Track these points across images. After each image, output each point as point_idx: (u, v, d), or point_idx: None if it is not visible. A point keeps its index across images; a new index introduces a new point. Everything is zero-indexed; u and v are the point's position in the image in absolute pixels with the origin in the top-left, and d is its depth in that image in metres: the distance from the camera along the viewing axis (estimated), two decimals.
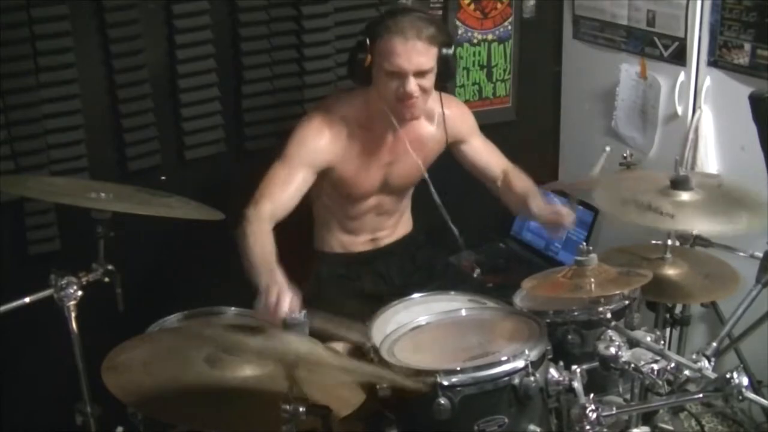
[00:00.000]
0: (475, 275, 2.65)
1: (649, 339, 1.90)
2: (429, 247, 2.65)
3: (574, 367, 1.94)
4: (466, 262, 2.89)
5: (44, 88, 2.47)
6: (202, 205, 2.18)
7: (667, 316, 2.56)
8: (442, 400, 1.81)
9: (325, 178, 2.36)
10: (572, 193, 2.35)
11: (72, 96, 2.52)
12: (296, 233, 2.41)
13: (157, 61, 2.64)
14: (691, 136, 2.82)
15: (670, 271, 2.26)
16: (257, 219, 2.14)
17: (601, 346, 1.89)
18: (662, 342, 1.90)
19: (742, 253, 2.42)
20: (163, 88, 2.67)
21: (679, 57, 2.83)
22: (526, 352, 1.88)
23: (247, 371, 1.67)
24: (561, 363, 1.98)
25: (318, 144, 2.29)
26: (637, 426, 2.03)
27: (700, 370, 1.78)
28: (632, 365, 1.85)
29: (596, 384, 1.99)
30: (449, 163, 2.54)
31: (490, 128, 2.62)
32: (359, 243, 2.52)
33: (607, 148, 2.45)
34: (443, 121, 2.40)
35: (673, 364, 1.82)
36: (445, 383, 1.82)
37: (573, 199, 2.50)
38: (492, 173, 2.53)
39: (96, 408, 2.05)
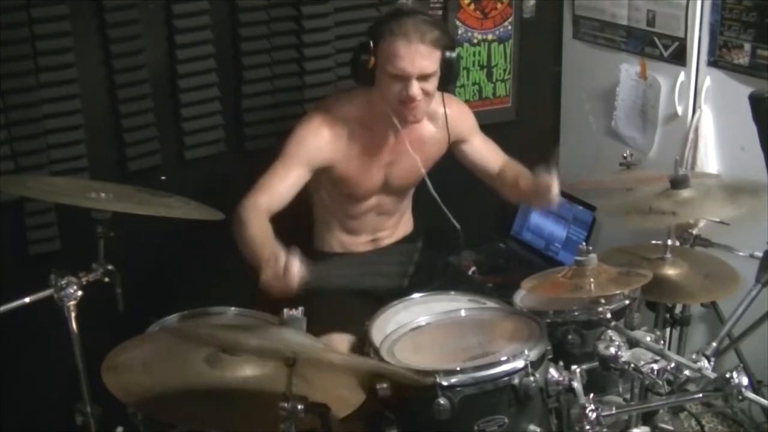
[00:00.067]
0: (470, 273, 2.65)
1: (649, 339, 1.90)
2: (429, 247, 2.65)
3: (573, 367, 1.94)
4: (466, 261, 2.89)
5: (44, 88, 2.47)
6: (202, 205, 2.18)
7: (667, 316, 2.56)
8: (442, 400, 1.81)
9: (324, 176, 2.36)
10: (552, 162, 2.32)
11: (72, 96, 2.52)
12: (296, 233, 2.41)
13: (157, 61, 2.64)
14: (691, 136, 2.82)
15: (670, 271, 2.26)
16: (254, 207, 2.16)
17: (601, 346, 1.89)
18: (662, 342, 1.90)
19: (741, 253, 2.42)
20: (163, 88, 2.67)
21: (679, 57, 2.83)
22: (526, 352, 1.88)
23: (247, 371, 1.67)
24: (561, 363, 1.98)
25: (316, 143, 2.29)
26: (637, 426, 2.03)
27: (699, 370, 1.78)
28: (632, 365, 1.85)
29: (596, 384, 1.99)
30: (449, 163, 2.54)
31: (490, 128, 2.62)
32: (360, 243, 2.52)
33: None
34: (445, 121, 2.40)
35: (673, 364, 1.82)
36: (445, 383, 1.82)
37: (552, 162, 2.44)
38: (492, 171, 2.53)
39: (96, 408, 2.05)
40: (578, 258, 2.01)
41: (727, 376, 1.65)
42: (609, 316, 1.98)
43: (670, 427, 2.32)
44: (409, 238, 2.61)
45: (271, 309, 2.21)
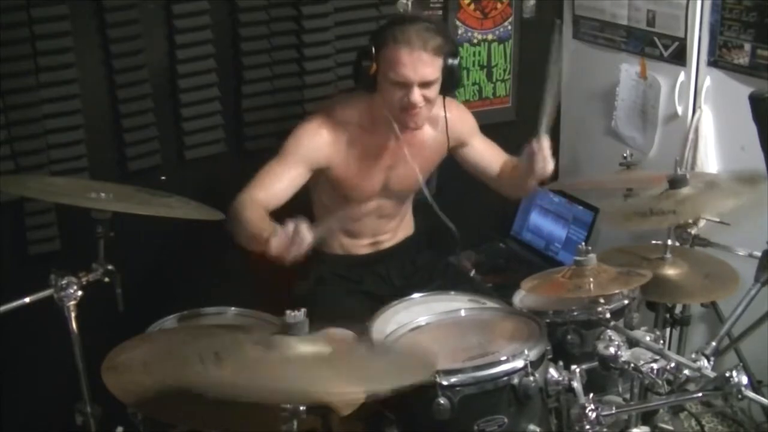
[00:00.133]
0: (473, 275, 2.65)
1: (648, 339, 1.90)
2: (429, 248, 2.65)
3: (573, 366, 1.94)
4: (466, 262, 2.90)
5: (44, 88, 2.47)
6: (202, 205, 2.18)
7: (667, 316, 2.56)
8: (442, 400, 1.81)
9: (323, 179, 2.36)
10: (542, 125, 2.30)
11: (72, 96, 2.52)
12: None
13: (157, 61, 2.64)
14: (691, 136, 2.82)
15: (670, 271, 2.26)
16: (249, 200, 2.16)
17: (600, 346, 1.89)
18: (662, 342, 1.90)
19: (741, 253, 2.42)
20: (163, 88, 2.68)
21: (679, 57, 2.83)
22: (526, 352, 1.88)
23: None
24: (561, 363, 1.98)
25: (314, 143, 2.29)
26: (636, 426, 2.03)
27: (699, 369, 1.78)
28: (632, 365, 1.85)
29: (596, 384, 1.99)
30: (449, 163, 2.54)
31: (490, 128, 2.62)
32: (360, 246, 2.52)
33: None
34: (445, 125, 2.40)
35: (672, 364, 1.82)
36: (445, 383, 1.82)
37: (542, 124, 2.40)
38: (493, 172, 2.53)
39: (96, 408, 2.05)
40: (578, 258, 2.01)
41: (727, 375, 1.65)
42: (608, 315, 1.98)
43: (670, 427, 2.32)
44: (409, 241, 2.61)
45: (272, 309, 2.22)
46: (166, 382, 1.63)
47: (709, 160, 2.80)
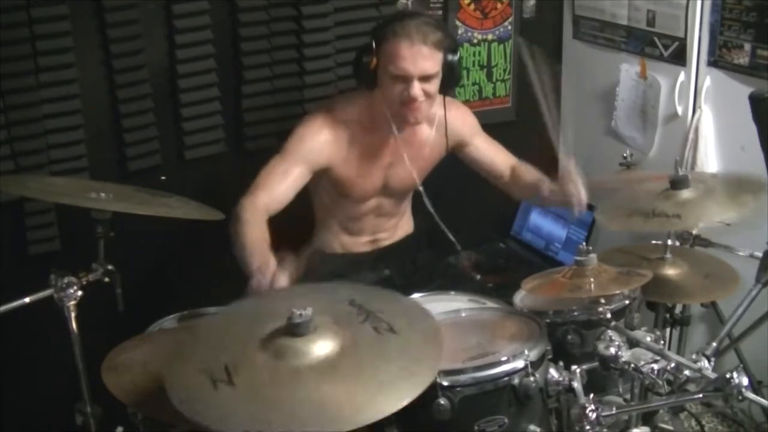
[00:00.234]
0: (474, 275, 2.65)
1: (649, 339, 1.90)
2: (429, 248, 2.65)
3: (573, 367, 1.93)
4: (466, 262, 2.89)
5: (44, 88, 2.47)
6: (202, 205, 2.18)
7: (667, 316, 2.56)
8: (442, 400, 1.81)
9: (324, 177, 2.36)
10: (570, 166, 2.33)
11: (72, 96, 2.52)
12: (296, 233, 2.41)
13: (157, 61, 2.64)
14: (691, 136, 2.82)
15: (670, 271, 2.26)
16: (252, 208, 2.15)
17: (600, 346, 1.89)
18: (662, 342, 1.90)
19: (741, 253, 2.42)
20: (163, 88, 2.68)
21: (679, 57, 2.83)
22: (526, 352, 1.87)
23: None
24: (561, 363, 1.98)
25: (316, 142, 2.29)
26: (637, 426, 2.03)
27: (700, 370, 1.78)
28: (632, 365, 1.85)
29: (596, 384, 1.99)
30: (449, 162, 2.54)
31: (490, 128, 2.62)
32: (360, 244, 2.52)
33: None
34: (444, 125, 2.40)
35: (673, 364, 1.82)
36: (445, 383, 1.82)
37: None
38: (497, 170, 2.53)
39: (96, 408, 2.05)
40: (578, 258, 2.01)
41: (727, 376, 1.65)
42: (609, 316, 1.97)
43: (670, 427, 2.32)
44: (409, 239, 2.61)
45: None
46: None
47: (709, 160, 2.80)
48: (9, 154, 2.46)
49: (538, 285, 2.07)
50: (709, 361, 1.82)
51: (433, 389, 1.81)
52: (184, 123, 2.73)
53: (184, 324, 2.14)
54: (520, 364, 1.86)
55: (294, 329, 1.54)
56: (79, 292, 1.96)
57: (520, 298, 2.25)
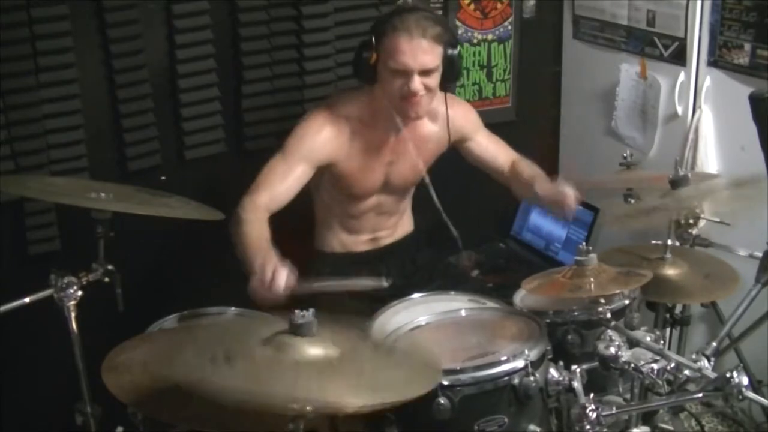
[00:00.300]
0: (474, 275, 2.65)
1: (648, 339, 1.90)
2: (429, 247, 2.65)
3: (574, 367, 1.93)
4: (467, 261, 2.89)
5: (44, 88, 2.47)
6: (202, 205, 2.18)
7: (667, 316, 2.56)
8: (442, 400, 1.81)
9: (325, 174, 2.36)
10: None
11: (72, 96, 2.52)
12: (296, 233, 2.41)
13: (157, 61, 2.64)
14: (691, 136, 2.82)
15: (670, 271, 2.26)
16: (253, 207, 2.15)
17: (600, 346, 1.89)
18: (662, 342, 1.90)
19: (741, 253, 2.42)
20: (163, 88, 2.68)
21: (679, 57, 2.83)
22: (526, 352, 1.87)
23: None
24: (561, 363, 1.98)
25: (317, 140, 2.29)
26: (637, 426, 2.02)
27: (699, 369, 1.78)
28: (632, 365, 1.85)
29: (596, 384, 1.99)
30: (449, 162, 2.54)
31: (490, 128, 2.62)
32: (360, 243, 2.52)
33: None
34: (446, 121, 2.40)
35: (673, 364, 1.82)
36: (445, 383, 1.82)
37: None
38: (498, 166, 2.53)
39: (96, 408, 2.05)
40: (578, 258, 2.01)
41: (727, 375, 1.65)
42: (609, 316, 1.98)
43: (670, 427, 2.32)
44: (409, 238, 2.61)
45: (272, 308, 2.21)
46: (166, 382, 1.63)
47: (709, 160, 2.80)
48: (9, 154, 2.46)
49: (538, 285, 2.07)
50: (709, 360, 1.82)
51: (434, 389, 1.81)
52: (184, 123, 2.73)
53: (184, 324, 2.14)
54: (520, 363, 1.86)
55: (296, 330, 1.56)
56: (79, 292, 1.96)
57: (520, 298, 2.25)
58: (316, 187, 2.42)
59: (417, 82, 2.19)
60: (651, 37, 2.92)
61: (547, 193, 2.33)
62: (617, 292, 2.02)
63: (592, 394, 1.78)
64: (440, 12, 3.08)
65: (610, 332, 1.92)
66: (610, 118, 3.17)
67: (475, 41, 3.21)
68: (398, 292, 2.37)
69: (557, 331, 2.09)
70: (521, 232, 3.32)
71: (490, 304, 2.24)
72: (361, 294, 2.44)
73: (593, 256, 2.00)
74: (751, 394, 1.66)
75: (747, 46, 2.60)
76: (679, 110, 2.87)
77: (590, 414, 1.71)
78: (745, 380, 1.64)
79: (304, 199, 2.38)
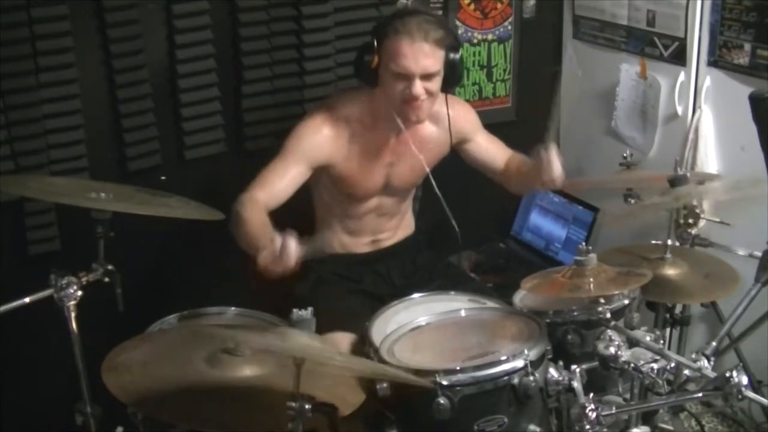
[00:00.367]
0: (474, 276, 2.65)
1: (648, 339, 1.90)
2: (429, 248, 2.65)
3: (573, 366, 1.94)
4: (466, 262, 2.90)
5: (44, 88, 2.47)
6: (202, 205, 2.18)
7: (667, 316, 2.56)
8: (442, 400, 1.81)
9: (325, 176, 2.36)
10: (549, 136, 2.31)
11: (72, 96, 2.52)
12: (296, 233, 2.40)
13: (157, 61, 2.64)
14: (691, 136, 2.82)
15: (670, 271, 2.26)
16: (251, 201, 2.15)
17: (600, 346, 1.89)
18: (662, 342, 1.90)
19: (741, 253, 2.42)
20: (163, 88, 2.68)
21: (679, 57, 2.83)
22: (526, 352, 1.88)
23: (247, 371, 1.67)
24: (561, 363, 1.98)
25: (315, 140, 2.29)
26: (637, 426, 2.03)
27: (699, 369, 1.78)
28: (632, 365, 1.85)
29: (596, 384, 1.99)
30: (449, 162, 2.53)
31: (490, 128, 2.62)
32: (360, 244, 2.52)
33: None
34: (448, 122, 2.40)
35: (672, 364, 1.82)
36: (445, 383, 1.82)
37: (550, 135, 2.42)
38: (497, 166, 2.53)
39: (96, 408, 2.05)
40: (578, 258, 2.01)
41: (727, 375, 1.65)
42: (608, 315, 1.98)
43: (670, 427, 2.32)
44: (409, 240, 2.61)
45: (271, 309, 2.22)
46: (166, 382, 1.63)
47: (709, 160, 2.80)
48: (9, 154, 2.46)
49: (538, 285, 2.07)
50: (708, 360, 1.82)
51: (433, 389, 1.81)
52: (184, 123, 2.73)
53: (184, 324, 2.14)
54: (519, 363, 1.87)
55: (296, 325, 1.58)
56: (79, 292, 1.96)
57: (520, 298, 2.26)
58: (316, 185, 2.42)
59: (418, 86, 2.19)
60: (651, 37, 2.92)
61: (532, 170, 2.31)
62: (617, 292, 2.02)
63: (591, 394, 1.78)
64: (440, 12, 3.08)
65: (609, 332, 1.93)
66: (610, 118, 3.17)
67: (475, 41, 3.21)
68: (398, 292, 2.37)
69: (557, 331, 2.09)
70: (521, 232, 3.32)
71: (490, 304, 2.24)
72: (362, 294, 2.46)
73: (593, 256, 2.00)
74: (750, 394, 1.66)
75: (747, 46, 2.60)
76: (679, 110, 2.87)
77: (590, 414, 1.71)
78: (744, 380, 1.64)
79: (305, 197, 2.38)
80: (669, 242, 2.32)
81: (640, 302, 2.23)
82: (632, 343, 1.91)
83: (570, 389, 1.92)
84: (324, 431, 1.71)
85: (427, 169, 2.40)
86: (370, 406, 1.82)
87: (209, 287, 2.56)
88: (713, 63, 2.74)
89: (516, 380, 1.86)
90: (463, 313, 2.15)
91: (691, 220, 2.49)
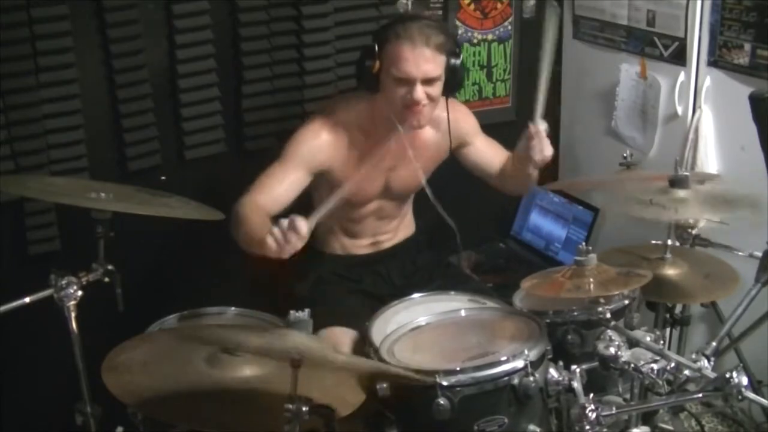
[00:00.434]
0: (474, 277, 2.65)
1: (648, 339, 1.90)
2: (429, 249, 2.65)
3: (573, 367, 1.94)
4: (466, 262, 2.89)
5: (44, 88, 2.47)
6: (202, 205, 2.18)
7: (667, 316, 2.56)
8: (442, 400, 1.81)
9: (324, 181, 2.36)
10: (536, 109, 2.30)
11: (72, 96, 2.52)
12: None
13: (157, 61, 2.64)
14: (691, 136, 2.82)
15: (670, 271, 2.26)
16: (251, 203, 2.15)
17: (600, 346, 1.89)
18: (662, 342, 1.90)
19: (741, 253, 2.42)
20: (163, 88, 2.68)
21: (679, 57, 2.83)
22: (526, 352, 1.88)
23: (247, 371, 1.67)
24: (561, 363, 1.98)
25: (314, 146, 2.29)
26: (637, 426, 2.03)
27: (699, 369, 1.78)
28: (632, 365, 1.85)
29: (596, 384, 1.99)
30: (449, 162, 2.54)
31: (490, 128, 2.62)
32: (360, 246, 2.52)
33: None
34: (447, 126, 2.40)
35: (672, 364, 1.83)
36: (445, 383, 1.82)
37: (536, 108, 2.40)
38: (494, 170, 2.53)
39: (96, 408, 2.05)
40: (578, 258, 2.01)
41: (727, 375, 1.65)
42: (609, 316, 1.98)
43: (670, 427, 2.32)
44: (410, 241, 2.61)
45: (271, 309, 2.22)
46: (166, 382, 1.63)
47: (709, 160, 2.80)
48: (9, 154, 2.46)
49: (538, 285, 2.07)
50: (708, 360, 1.82)
51: (433, 389, 1.81)
52: (184, 123, 2.73)
53: (184, 324, 2.14)
54: (519, 364, 1.87)
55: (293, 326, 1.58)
56: (79, 292, 1.96)
57: (520, 298, 2.26)
58: (316, 188, 2.42)
59: (419, 91, 2.18)
60: (651, 37, 2.92)
61: (520, 149, 2.30)
62: (617, 292, 2.02)
63: (591, 394, 1.78)
64: (440, 12, 3.08)
65: (609, 332, 1.93)
66: (610, 118, 3.17)
67: (475, 41, 3.21)
68: (398, 292, 2.37)
69: (557, 331, 2.09)
70: (521, 232, 3.33)
71: (490, 304, 2.24)
72: (362, 294, 2.46)
73: (593, 256, 2.00)
74: (750, 394, 1.66)
75: (747, 46, 2.60)
76: (679, 110, 2.87)
77: (590, 414, 1.71)
78: (744, 380, 1.64)
79: (305, 200, 2.38)
80: (669, 242, 2.32)
81: (640, 302, 2.23)
82: (632, 343, 1.91)
83: (570, 389, 1.92)
84: None
85: (423, 181, 2.40)
86: (370, 406, 1.82)
87: (209, 287, 2.57)
88: (713, 63, 2.74)
89: (516, 380, 1.86)
90: (463, 313, 2.15)
91: (691, 220, 2.49)
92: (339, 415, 1.65)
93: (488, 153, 2.53)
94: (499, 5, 3.21)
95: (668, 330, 2.62)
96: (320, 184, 2.38)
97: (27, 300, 1.97)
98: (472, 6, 3.16)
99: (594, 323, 2.02)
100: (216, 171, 2.79)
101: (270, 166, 2.26)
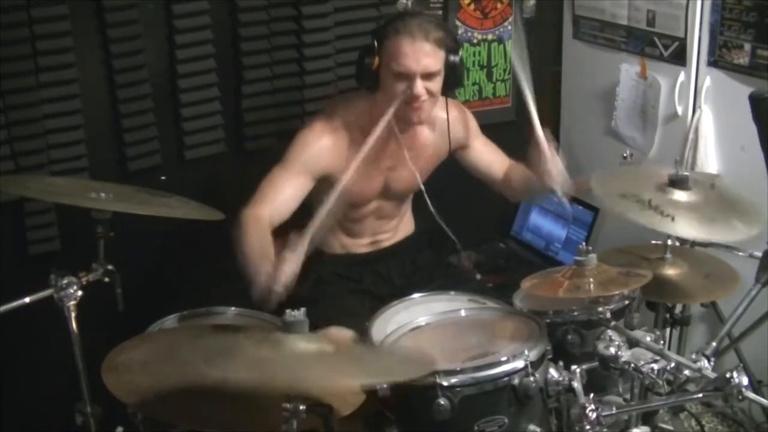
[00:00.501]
0: (478, 277, 2.65)
1: (648, 339, 1.90)
2: (429, 248, 2.65)
3: (573, 367, 1.94)
4: (466, 262, 2.89)
5: (44, 88, 2.47)
6: (202, 205, 2.18)
7: (667, 316, 2.56)
8: (442, 401, 1.81)
9: (325, 183, 2.36)
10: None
11: (72, 96, 2.52)
12: (296, 233, 2.40)
13: (157, 61, 2.64)
14: (691, 136, 2.82)
15: (670, 271, 2.26)
16: (255, 219, 2.15)
17: (600, 346, 1.89)
18: (662, 342, 1.90)
19: (741, 253, 2.42)
20: (163, 88, 2.68)
21: (679, 57, 2.83)
22: (526, 352, 1.88)
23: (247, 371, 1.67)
24: (561, 363, 1.98)
25: (316, 150, 2.29)
26: (637, 426, 2.03)
27: (699, 369, 1.78)
28: (632, 365, 1.85)
29: (596, 384, 1.99)
30: (450, 163, 2.54)
31: (490, 128, 2.63)
32: (360, 245, 2.52)
33: None
34: (446, 127, 2.40)
35: (672, 364, 1.82)
36: (445, 383, 1.82)
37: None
38: (495, 174, 2.53)
39: (96, 408, 2.05)
40: (578, 258, 2.01)
41: (727, 376, 1.65)
42: (609, 316, 1.98)
43: (670, 427, 2.32)
44: (410, 240, 2.61)
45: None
46: (166, 381, 1.63)
47: (709, 160, 2.80)
48: (9, 154, 2.46)
49: (538, 285, 2.07)
50: (708, 360, 1.82)
51: (433, 389, 1.81)
52: (184, 123, 2.73)
53: (184, 324, 2.14)
54: (520, 364, 1.86)
55: (288, 328, 1.59)
56: (79, 292, 1.96)
57: (520, 298, 2.25)
58: (315, 190, 2.42)
59: (419, 86, 2.19)
60: (651, 37, 2.92)
61: (531, 175, 2.30)
62: (617, 292, 2.02)
63: (592, 394, 1.78)
64: (440, 12, 3.08)
65: (609, 332, 1.93)
66: (610, 118, 3.17)
67: (475, 41, 3.21)
68: (398, 292, 2.37)
69: (557, 331, 2.09)
70: (521, 232, 3.33)
71: (490, 304, 2.24)
72: (362, 294, 2.45)
73: (593, 256, 2.00)
74: (751, 394, 1.66)
75: (747, 46, 2.60)
76: (679, 110, 2.87)
77: (590, 414, 1.71)
78: (745, 380, 1.64)
79: (305, 202, 2.38)
80: (669, 242, 2.32)
81: (640, 302, 2.23)
82: (632, 343, 1.91)
83: (570, 389, 1.92)
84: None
85: (420, 179, 2.40)
86: (370, 406, 1.82)
87: (209, 287, 2.56)
88: (713, 63, 2.74)
89: (516, 381, 1.86)
90: (463, 313, 2.15)
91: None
92: (339, 415, 1.65)
93: (487, 156, 2.53)
94: (499, 5, 3.21)
95: (668, 330, 2.62)
96: (320, 189, 2.38)
97: (27, 300, 1.97)
98: (472, 6, 3.16)
99: (594, 323, 2.02)
100: (216, 171, 2.79)
101: (272, 172, 2.26)
